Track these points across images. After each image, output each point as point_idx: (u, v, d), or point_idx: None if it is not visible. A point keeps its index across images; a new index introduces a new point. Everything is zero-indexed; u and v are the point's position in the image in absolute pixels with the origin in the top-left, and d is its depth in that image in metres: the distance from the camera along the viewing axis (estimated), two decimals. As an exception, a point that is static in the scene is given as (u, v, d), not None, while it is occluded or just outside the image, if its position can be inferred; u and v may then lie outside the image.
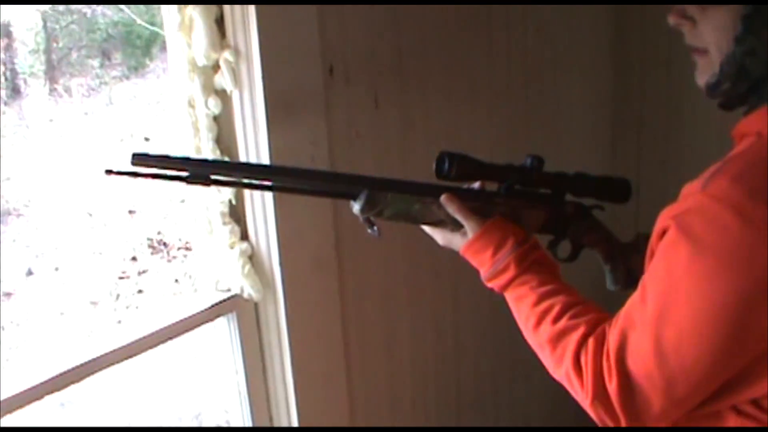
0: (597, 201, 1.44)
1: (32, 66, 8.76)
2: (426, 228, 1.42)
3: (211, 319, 1.70)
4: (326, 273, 1.78)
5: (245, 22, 1.56)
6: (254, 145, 1.63)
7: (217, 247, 1.70)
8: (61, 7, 5.89)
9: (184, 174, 1.25)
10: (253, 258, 1.71)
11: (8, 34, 8.33)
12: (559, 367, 1.16)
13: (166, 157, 1.25)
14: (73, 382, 1.56)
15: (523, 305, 1.25)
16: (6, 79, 8.44)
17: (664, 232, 1.04)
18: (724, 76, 1.07)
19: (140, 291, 4.70)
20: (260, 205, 1.66)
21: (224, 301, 1.70)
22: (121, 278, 4.84)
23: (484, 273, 1.31)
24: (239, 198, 1.67)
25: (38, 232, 5.35)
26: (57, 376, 1.52)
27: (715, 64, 1.08)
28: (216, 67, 1.60)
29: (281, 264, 1.68)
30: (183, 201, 5.68)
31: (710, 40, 1.08)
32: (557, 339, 1.17)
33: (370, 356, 1.96)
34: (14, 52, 8.65)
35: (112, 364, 1.60)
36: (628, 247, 1.45)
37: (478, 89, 2.09)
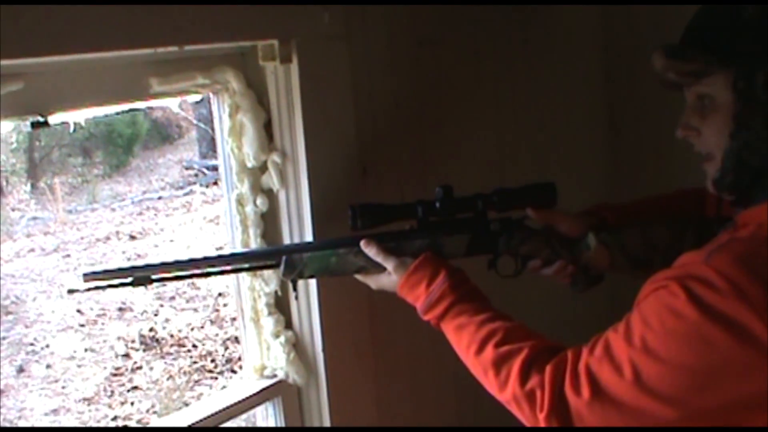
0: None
1: (14, 164, 8.88)
2: (357, 276, 1.53)
3: (259, 404, 1.79)
4: (363, 357, 1.88)
5: (291, 126, 1.69)
6: (299, 239, 1.75)
7: (263, 336, 1.81)
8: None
9: (128, 280, 1.43)
10: (297, 345, 1.81)
11: (-10, 135, 8.46)
12: (504, 389, 1.24)
13: (111, 270, 1.43)
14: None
15: (464, 333, 1.33)
16: (-12, 178, 8.54)
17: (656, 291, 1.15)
18: (725, 170, 1.22)
19: (135, 387, 4.72)
20: (304, 296, 1.77)
21: (271, 386, 1.79)
22: (114, 375, 4.85)
23: (420, 305, 1.40)
24: (284, 290, 1.78)
25: (28, 329, 5.37)
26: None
27: (718, 162, 1.23)
28: (264, 168, 1.74)
29: (324, 350, 1.78)
30: (173, 298, 5.76)
31: (713, 144, 1.24)
32: (501, 362, 1.25)
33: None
34: (-4, 151, 8.77)
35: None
36: (575, 245, 1.50)
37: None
